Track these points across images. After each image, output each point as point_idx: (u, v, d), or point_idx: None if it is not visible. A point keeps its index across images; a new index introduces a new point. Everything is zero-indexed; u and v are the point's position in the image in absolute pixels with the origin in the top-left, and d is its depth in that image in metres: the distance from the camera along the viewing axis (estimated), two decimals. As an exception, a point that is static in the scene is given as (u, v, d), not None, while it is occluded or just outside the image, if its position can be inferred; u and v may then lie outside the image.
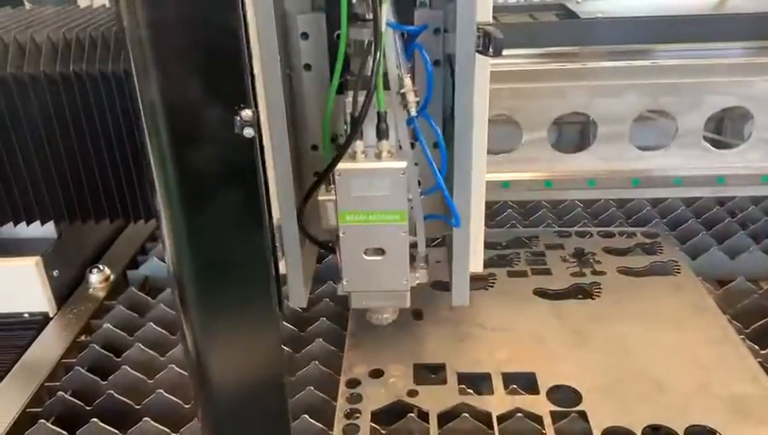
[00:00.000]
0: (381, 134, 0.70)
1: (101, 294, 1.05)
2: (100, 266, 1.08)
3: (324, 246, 0.83)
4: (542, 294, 0.97)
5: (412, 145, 0.73)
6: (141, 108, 0.53)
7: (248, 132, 0.53)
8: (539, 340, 0.87)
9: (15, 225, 0.95)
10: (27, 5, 1.24)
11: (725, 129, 1.23)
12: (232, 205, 0.56)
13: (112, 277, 1.08)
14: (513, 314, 0.92)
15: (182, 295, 0.59)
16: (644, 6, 1.15)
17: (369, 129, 0.71)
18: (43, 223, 0.96)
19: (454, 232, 0.76)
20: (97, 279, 1.06)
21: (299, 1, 0.76)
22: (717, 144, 1.14)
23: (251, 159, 0.55)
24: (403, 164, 0.70)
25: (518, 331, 0.89)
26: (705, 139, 1.11)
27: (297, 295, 0.81)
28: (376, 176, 0.70)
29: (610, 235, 1.11)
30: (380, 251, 0.74)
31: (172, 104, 0.52)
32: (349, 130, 0.71)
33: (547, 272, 1.02)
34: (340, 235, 0.73)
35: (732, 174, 1.10)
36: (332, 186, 0.72)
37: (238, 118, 0.53)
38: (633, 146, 1.09)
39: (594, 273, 1.01)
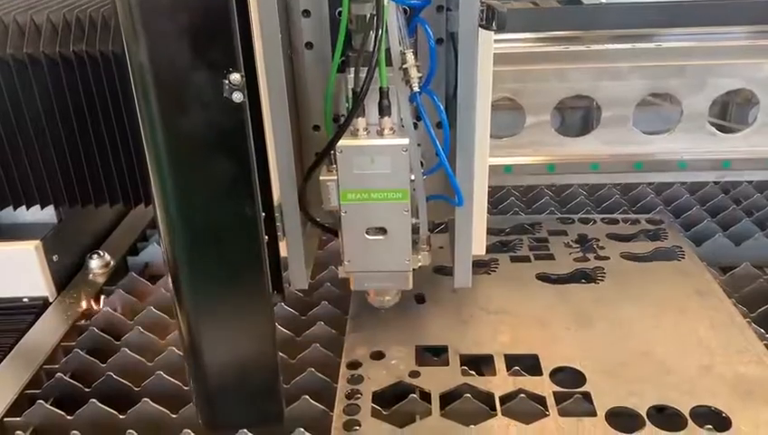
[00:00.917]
0: (383, 111, 0.69)
1: (101, 279, 1.04)
2: (101, 252, 1.07)
3: (326, 229, 0.83)
4: (544, 278, 0.96)
5: (415, 125, 0.73)
6: (131, 71, 0.52)
7: (237, 96, 0.53)
8: (542, 323, 0.87)
9: (15, 208, 0.94)
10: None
11: (730, 114, 1.22)
12: (221, 170, 0.56)
13: (113, 263, 1.08)
14: (516, 298, 0.92)
15: (173, 265, 0.59)
16: None
17: (372, 106, 0.70)
18: (42, 207, 0.95)
19: (456, 212, 0.75)
20: (97, 265, 1.06)
21: None
22: (722, 130, 1.13)
23: (240, 125, 0.54)
24: (405, 141, 0.69)
25: (521, 314, 0.88)
26: (712, 124, 1.10)
27: (298, 277, 0.80)
28: (378, 153, 0.69)
29: (614, 221, 1.10)
30: (382, 230, 0.73)
31: (160, 67, 0.52)
32: (350, 107, 0.70)
33: (550, 257, 1.01)
34: (342, 214, 0.72)
35: (737, 158, 1.09)
36: (334, 165, 0.71)
37: (227, 82, 0.52)
38: (637, 130, 1.08)
39: (598, 258, 1.00)
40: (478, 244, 0.82)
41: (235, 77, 0.52)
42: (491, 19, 0.66)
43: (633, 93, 1.05)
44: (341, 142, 0.69)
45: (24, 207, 0.94)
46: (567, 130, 1.17)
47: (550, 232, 1.08)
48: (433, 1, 0.74)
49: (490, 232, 0.98)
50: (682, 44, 1.05)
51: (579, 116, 1.23)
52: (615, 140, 1.07)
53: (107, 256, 1.08)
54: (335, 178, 0.71)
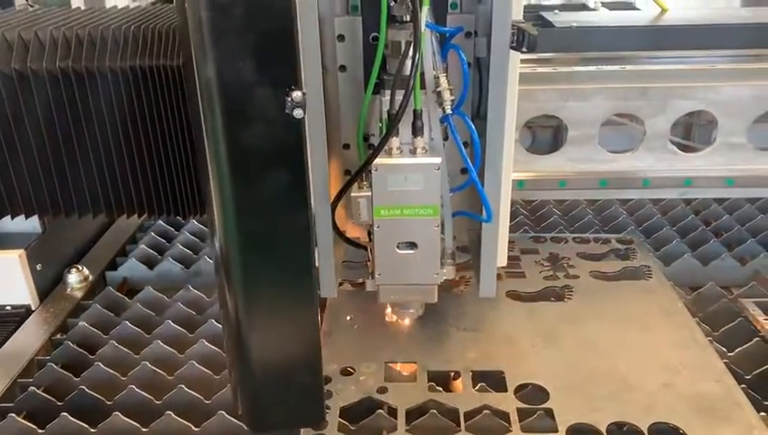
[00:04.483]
0: (416, 131, 0.73)
1: (79, 293, 1.05)
2: (79, 267, 1.08)
3: (353, 243, 0.85)
4: (514, 296, 0.98)
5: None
6: (198, 87, 0.55)
7: (298, 113, 0.56)
8: (509, 340, 0.88)
9: (0, 218, 0.95)
10: (18, 6, 1.25)
11: (694, 135, 1.27)
12: (280, 182, 0.59)
13: (91, 278, 1.09)
14: (485, 315, 0.94)
15: (226, 269, 0.62)
16: (607, 19, 1.20)
17: (404, 127, 0.73)
18: (27, 217, 0.96)
19: (483, 227, 0.78)
20: (75, 279, 1.07)
21: (333, 4, 0.78)
22: (686, 149, 1.17)
23: (299, 139, 0.58)
24: (438, 160, 0.72)
25: (489, 331, 0.90)
26: (676, 144, 1.14)
27: (328, 286, 0.82)
28: (412, 171, 0.72)
29: (585, 241, 1.13)
30: (413, 245, 0.76)
31: (227, 84, 0.55)
32: (384, 128, 0.73)
33: (521, 275, 1.03)
34: (375, 229, 0.75)
35: (698, 176, 1.14)
36: (365, 182, 0.75)
37: (289, 99, 0.55)
38: (602, 148, 1.12)
39: (567, 277, 1.02)
40: (501, 256, 0.85)
41: (297, 94, 0.55)
42: (521, 41, 0.69)
43: (598, 113, 1.09)
44: (378, 161, 0.72)
45: (8, 216, 0.96)
46: (537, 148, 1.21)
47: (522, 250, 1.10)
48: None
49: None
50: (645, 67, 1.10)
51: (548, 135, 1.27)
52: (581, 157, 1.11)
53: (85, 271, 1.09)
54: (366, 194, 0.74)
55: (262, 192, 0.60)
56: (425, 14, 0.67)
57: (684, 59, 1.11)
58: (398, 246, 0.76)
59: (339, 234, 0.81)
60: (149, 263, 1.13)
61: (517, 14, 0.72)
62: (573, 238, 1.13)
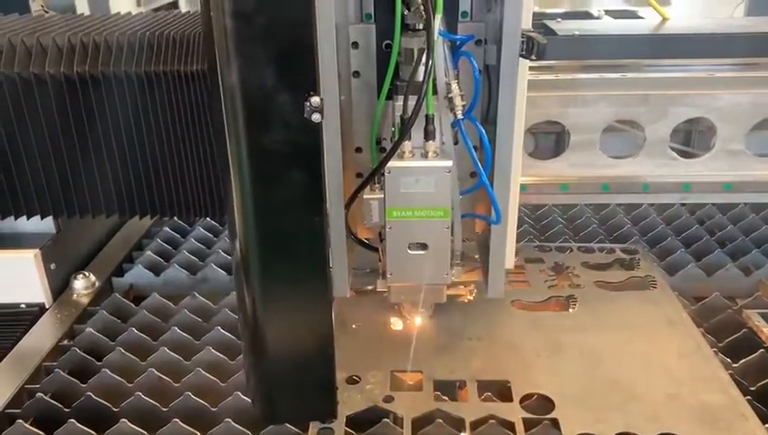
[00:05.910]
0: (428, 135, 0.74)
1: (86, 299, 1.06)
2: (86, 273, 1.09)
3: (366, 245, 0.86)
4: (519, 305, 0.98)
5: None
6: (221, 92, 0.57)
7: (316, 117, 0.58)
8: (514, 349, 0.89)
9: (16, 218, 0.96)
10: (34, 12, 1.26)
11: (693, 141, 1.29)
12: (297, 181, 0.61)
13: (97, 284, 1.09)
14: (490, 324, 0.94)
15: (245, 268, 0.65)
16: (608, 27, 1.22)
17: (416, 131, 0.75)
18: (42, 217, 0.97)
19: (492, 229, 0.79)
20: (81, 285, 1.08)
21: (347, 12, 0.80)
22: (685, 155, 1.19)
23: (316, 142, 0.60)
24: (449, 163, 0.74)
25: (494, 340, 0.91)
26: (676, 150, 1.16)
27: (341, 286, 0.83)
28: (423, 174, 0.74)
29: (590, 250, 1.13)
30: (424, 246, 0.78)
31: (250, 89, 0.57)
32: (397, 132, 0.75)
33: (526, 284, 1.03)
34: (387, 230, 0.77)
35: (697, 181, 1.16)
36: (377, 185, 0.76)
37: (308, 104, 0.57)
38: (604, 154, 1.14)
39: (572, 286, 1.02)
40: (508, 258, 0.86)
41: (316, 100, 0.57)
42: (531, 50, 0.70)
43: (600, 120, 1.10)
44: (390, 164, 0.74)
45: (24, 217, 0.96)
46: (539, 153, 1.23)
47: (527, 260, 1.10)
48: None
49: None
50: (646, 75, 1.12)
51: (551, 140, 1.29)
52: (583, 163, 1.13)
53: (92, 277, 1.09)
54: (379, 196, 0.76)
55: (281, 193, 0.62)
56: (437, 23, 0.69)
57: (684, 67, 1.13)
58: (409, 247, 0.78)
59: (351, 235, 0.82)
60: (156, 269, 1.13)
61: (526, 23, 0.73)
62: (578, 248, 1.14)
